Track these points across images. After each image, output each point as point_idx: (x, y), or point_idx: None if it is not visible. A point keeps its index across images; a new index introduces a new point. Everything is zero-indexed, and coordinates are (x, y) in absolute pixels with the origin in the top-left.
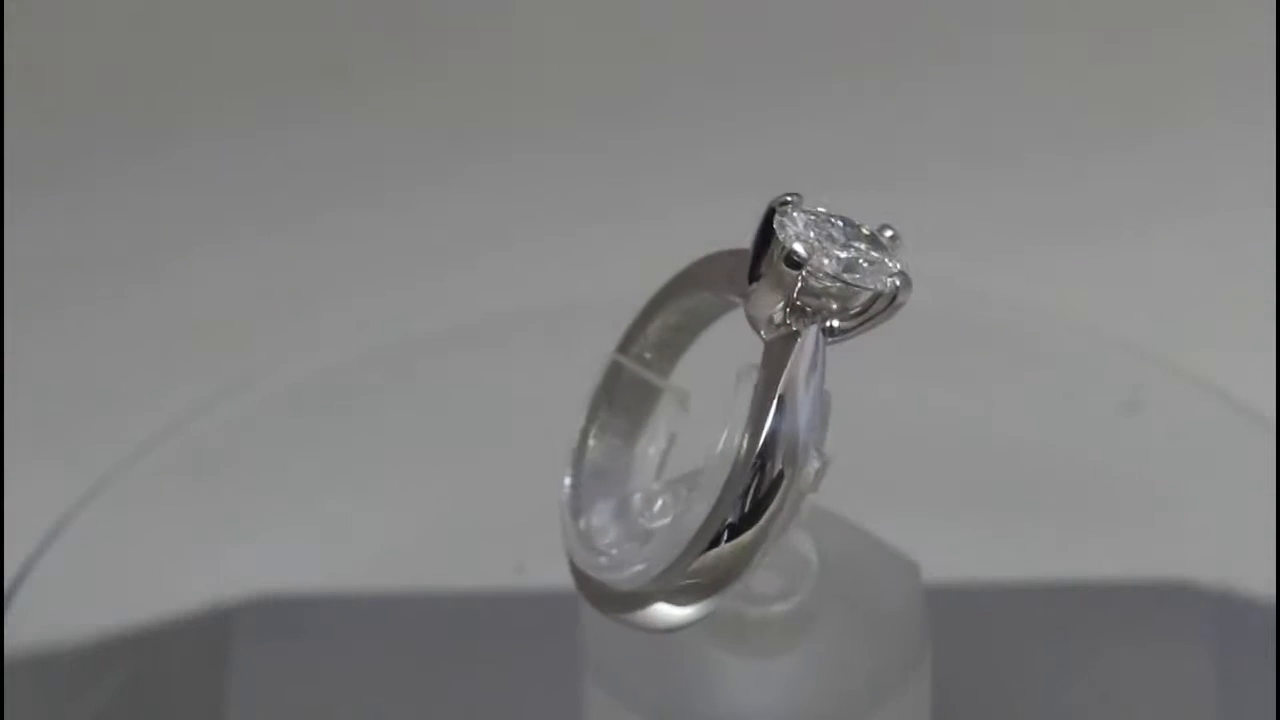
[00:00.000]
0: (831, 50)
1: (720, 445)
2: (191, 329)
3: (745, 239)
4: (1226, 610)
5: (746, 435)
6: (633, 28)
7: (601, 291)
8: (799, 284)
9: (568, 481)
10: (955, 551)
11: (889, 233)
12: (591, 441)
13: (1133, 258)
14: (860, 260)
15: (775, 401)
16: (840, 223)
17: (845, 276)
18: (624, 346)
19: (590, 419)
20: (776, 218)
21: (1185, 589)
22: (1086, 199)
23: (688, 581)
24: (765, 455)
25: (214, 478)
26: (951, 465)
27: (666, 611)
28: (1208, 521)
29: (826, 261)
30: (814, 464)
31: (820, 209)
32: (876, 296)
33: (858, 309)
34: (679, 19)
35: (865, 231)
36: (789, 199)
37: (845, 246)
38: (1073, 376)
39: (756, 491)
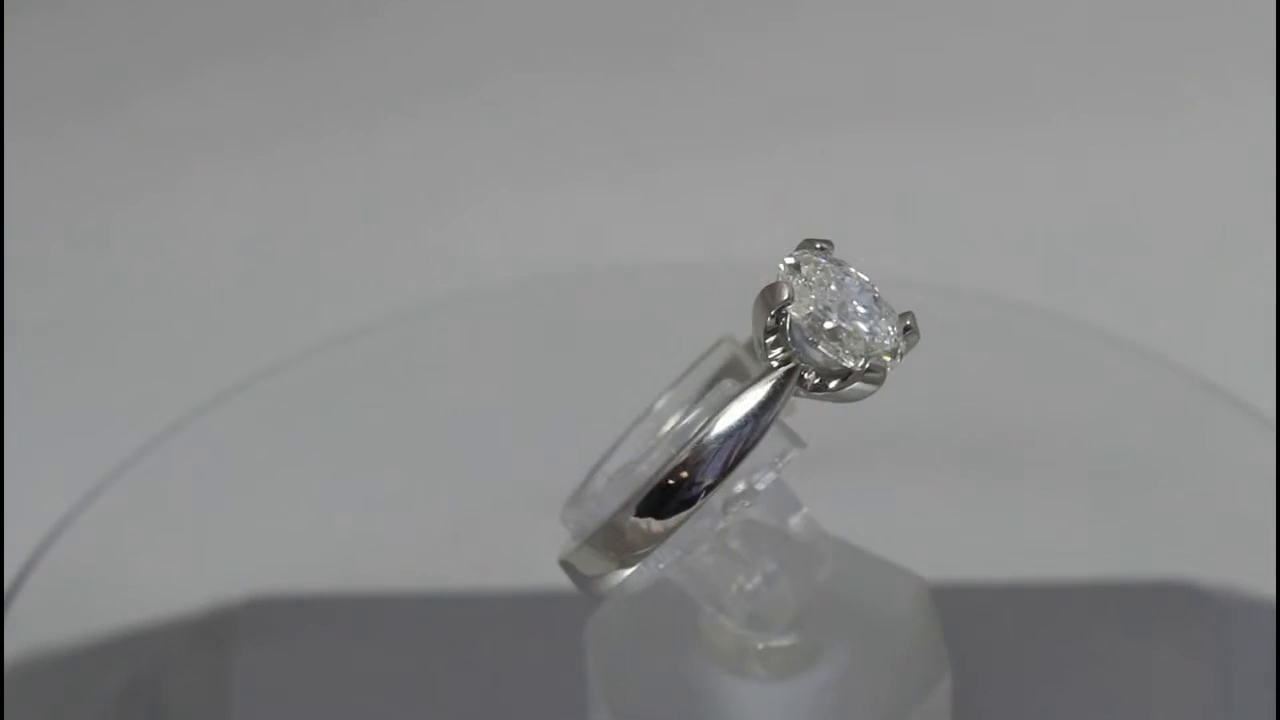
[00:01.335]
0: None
1: (680, 425)
2: (191, 330)
3: None
4: (1226, 610)
5: (698, 430)
6: None
7: (601, 275)
8: (772, 319)
9: (631, 431)
10: (956, 551)
11: (906, 323)
12: (680, 412)
13: (1134, 258)
14: (851, 331)
15: (720, 415)
16: (864, 292)
17: (813, 335)
18: (750, 343)
19: (689, 394)
20: (795, 255)
21: (1185, 589)
22: (1086, 199)
23: (597, 551)
24: (688, 461)
25: (214, 478)
26: (952, 465)
27: (590, 568)
28: (1208, 521)
29: (806, 314)
30: (738, 486)
31: (859, 273)
32: (848, 372)
33: (824, 371)
34: None
35: (874, 310)
36: (821, 245)
37: (849, 316)
38: (1074, 377)
39: (682, 478)
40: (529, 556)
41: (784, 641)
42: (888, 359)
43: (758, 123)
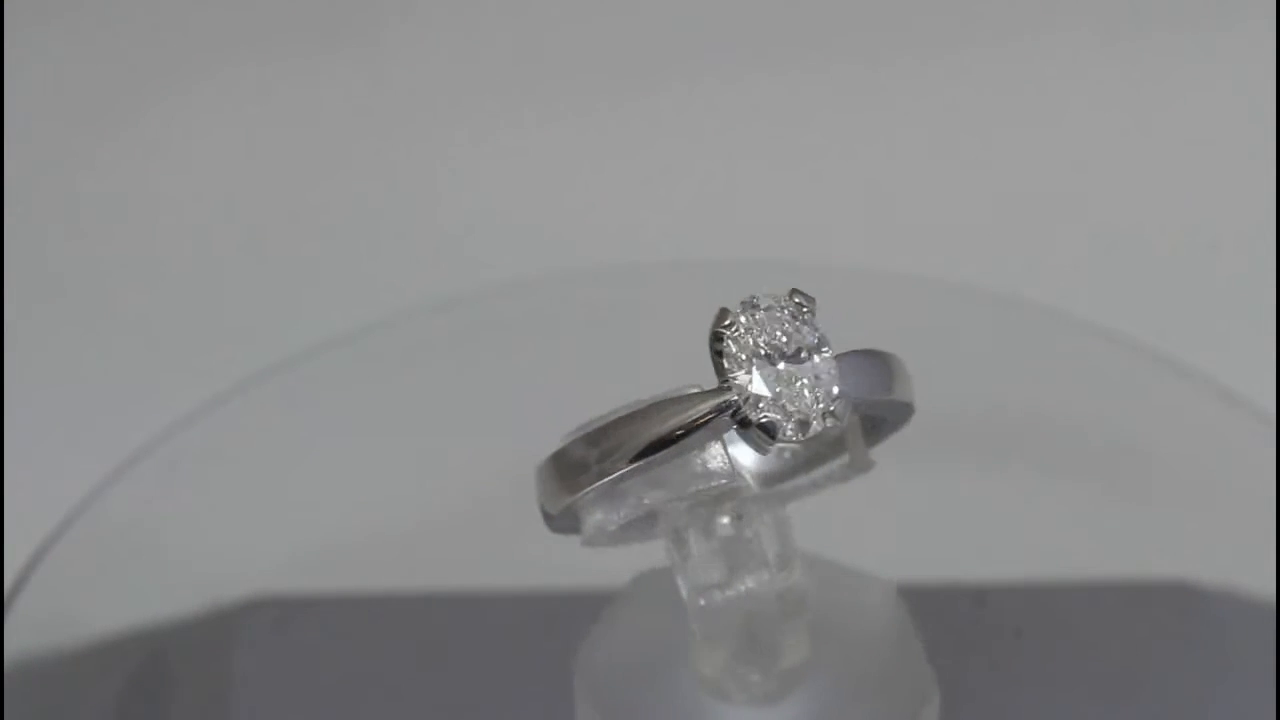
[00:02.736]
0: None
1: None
2: (191, 330)
3: None
4: (1226, 610)
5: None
6: None
7: (601, 275)
8: (711, 340)
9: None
10: (955, 551)
11: (832, 407)
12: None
13: (1133, 257)
14: (777, 388)
15: (655, 404)
16: (806, 354)
17: (740, 377)
18: None
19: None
20: (761, 295)
21: (1185, 589)
22: (1086, 198)
23: (550, 473)
24: (604, 429)
25: (213, 478)
26: (950, 464)
27: (543, 490)
28: (1208, 521)
29: (737, 348)
30: (659, 494)
31: (823, 341)
32: (744, 416)
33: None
34: None
35: (818, 383)
36: (800, 300)
37: (775, 370)
38: (1075, 377)
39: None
40: (529, 556)
41: (754, 675)
42: (779, 427)
43: (761, 123)
